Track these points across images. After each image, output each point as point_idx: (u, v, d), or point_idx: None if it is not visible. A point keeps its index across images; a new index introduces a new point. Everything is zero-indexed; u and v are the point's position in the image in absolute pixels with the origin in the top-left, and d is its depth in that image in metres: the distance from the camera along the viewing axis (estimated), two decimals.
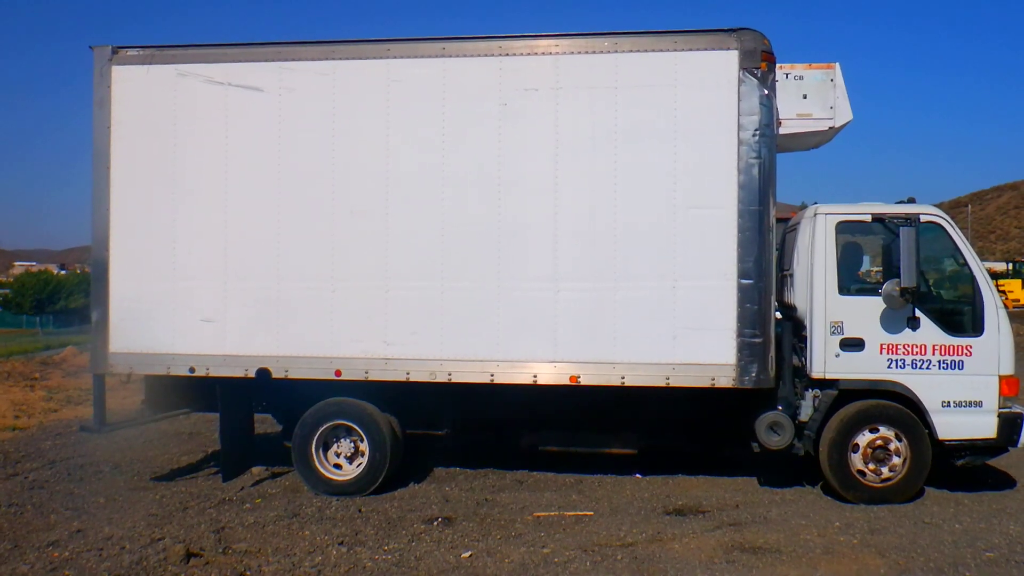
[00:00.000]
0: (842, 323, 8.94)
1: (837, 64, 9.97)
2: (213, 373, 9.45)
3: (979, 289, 8.85)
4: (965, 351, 8.80)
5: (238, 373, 9.40)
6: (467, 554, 7.45)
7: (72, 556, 7.43)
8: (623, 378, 8.84)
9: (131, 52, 9.64)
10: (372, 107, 9.21)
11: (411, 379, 9.14)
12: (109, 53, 9.63)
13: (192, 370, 9.45)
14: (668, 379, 8.78)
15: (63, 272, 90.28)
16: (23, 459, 11.53)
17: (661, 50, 8.84)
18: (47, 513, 8.86)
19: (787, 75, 9.81)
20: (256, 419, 10.62)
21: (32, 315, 64.97)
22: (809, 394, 9.18)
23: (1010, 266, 61.08)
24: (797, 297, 9.38)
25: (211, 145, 9.45)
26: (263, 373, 9.32)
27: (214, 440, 10.50)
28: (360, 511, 8.77)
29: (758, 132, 8.63)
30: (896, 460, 8.86)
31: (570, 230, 8.92)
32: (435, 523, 8.38)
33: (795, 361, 9.31)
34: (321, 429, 9.51)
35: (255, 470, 10.29)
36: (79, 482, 10.19)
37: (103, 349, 9.64)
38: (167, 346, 9.48)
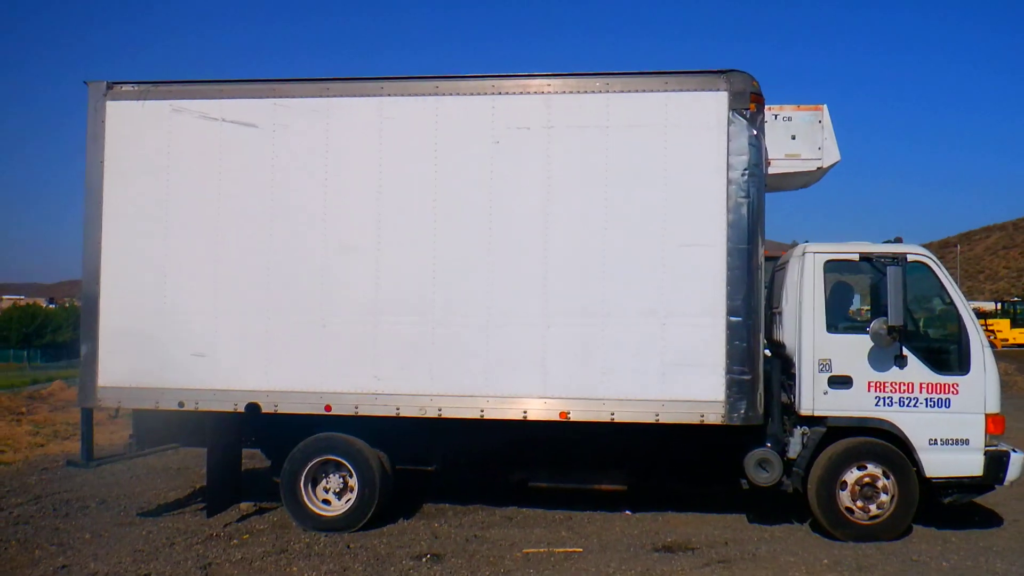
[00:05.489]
0: (830, 360, 8.99)
1: (824, 106, 10.10)
2: (202, 407, 9.43)
3: (965, 328, 8.92)
4: (952, 389, 8.85)
5: (227, 407, 9.38)
6: None
7: None
8: (612, 414, 8.86)
9: (126, 87, 9.72)
10: (365, 144, 9.28)
11: (401, 414, 9.14)
12: (104, 88, 9.70)
13: (181, 404, 9.43)
14: (657, 416, 8.81)
15: (52, 306, 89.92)
16: (8, 494, 11.43)
17: (651, 90, 8.96)
18: (32, 548, 8.80)
19: (776, 116, 9.93)
20: (245, 454, 10.58)
21: (20, 349, 64.64)
22: (798, 431, 9.20)
23: (999, 305, 61.38)
24: (786, 334, 9.44)
25: (204, 180, 9.49)
26: (253, 407, 9.31)
27: (202, 475, 10.44)
28: (349, 547, 8.74)
29: (747, 172, 8.73)
30: (884, 497, 8.88)
31: (560, 267, 8.97)
32: (424, 559, 8.34)
33: (784, 398, 9.35)
34: (310, 464, 9.49)
35: (243, 506, 10.24)
36: (65, 517, 10.12)
37: (92, 383, 9.60)
38: (156, 380, 9.46)
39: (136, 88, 9.71)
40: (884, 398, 8.91)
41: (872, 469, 8.91)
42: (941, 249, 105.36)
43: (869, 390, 8.93)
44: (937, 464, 8.82)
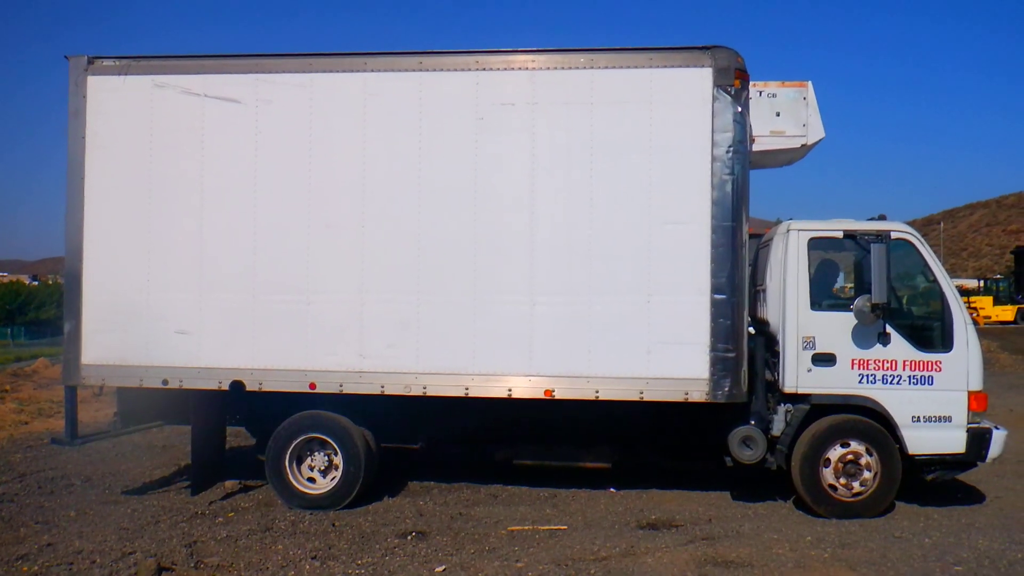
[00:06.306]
0: (814, 338, 9.02)
1: (809, 83, 10.10)
2: (187, 385, 9.39)
3: (948, 305, 8.95)
4: (935, 367, 8.89)
5: (212, 385, 9.35)
6: (440, 568, 7.44)
7: (42, 570, 7.37)
8: (597, 392, 8.88)
9: (107, 62, 9.61)
10: (349, 120, 9.22)
11: (386, 392, 9.13)
12: (85, 63, 9.59)
13: (165, 382, 9.39)
14: (642, 393, 8.82)
15: (35, 283, 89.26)
16: None
17: (636, 67, 8.92)
18: (17, 527, 8.78)
19: (760, 93, 9.92)
20: (229, 432, 10.56)
21: (3, 326, 64.21)
22: (781, 408, 9.24)
23: (981, 283, 61.69)
24: (770, 312, 9.46)
25: (187, 156, 9.41)
26: (237, 385, 9.28)
27: (187, 453, 10.43)
28: (334, 525, 8.75)
29: (731, 149, 8.71)
30: (867, 475, 8.93)
31: (546, 244, 8.95)
32: (409, 537, 8.36)
33: (768, 376, 9.37)
34: (295, 442, 9.48)
35: (228, 484, 10.22)
36: (49, 495, 10.10)
37: (75, 360, 9.55)
38: (140, 358, 9.42)
39: (117, 63, 9.60)
40: (867, 375, 8.95)
41: (855, 446, 8.95)
42: (925, 226, 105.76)
43: (852, 367, 8.97)
44: (920, 441, 8.87)
